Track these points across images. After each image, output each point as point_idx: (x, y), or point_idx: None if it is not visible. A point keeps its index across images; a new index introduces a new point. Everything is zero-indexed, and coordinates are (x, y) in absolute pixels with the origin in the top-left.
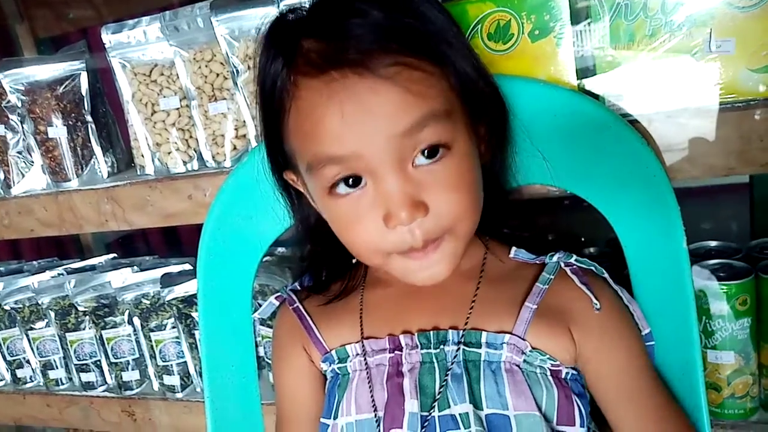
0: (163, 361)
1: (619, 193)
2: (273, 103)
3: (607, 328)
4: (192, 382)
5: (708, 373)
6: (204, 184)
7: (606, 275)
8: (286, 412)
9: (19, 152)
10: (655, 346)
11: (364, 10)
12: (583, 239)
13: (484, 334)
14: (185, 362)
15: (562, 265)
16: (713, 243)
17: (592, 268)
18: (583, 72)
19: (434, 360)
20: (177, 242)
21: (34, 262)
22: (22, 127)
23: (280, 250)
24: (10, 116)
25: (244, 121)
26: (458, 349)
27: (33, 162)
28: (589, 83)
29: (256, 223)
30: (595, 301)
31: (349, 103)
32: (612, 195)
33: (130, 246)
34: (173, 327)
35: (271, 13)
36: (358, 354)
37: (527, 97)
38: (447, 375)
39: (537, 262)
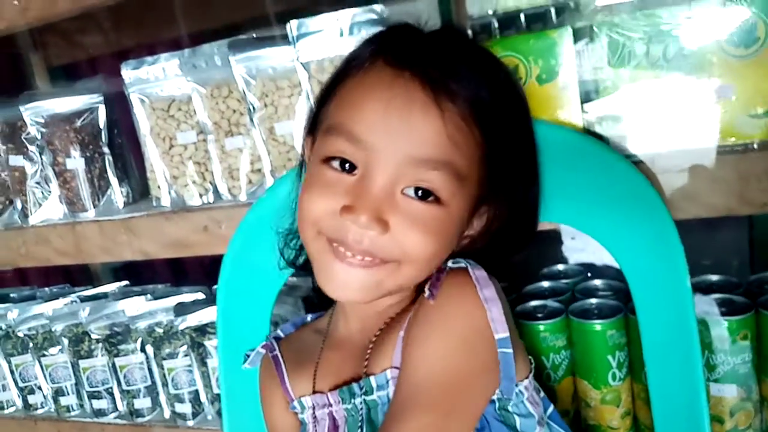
0: (175, 389)
1: (624, 231)
2: (344, 69)
3: (429, 322)
4: (203, 410)
5: (710, 406)
6: (219, 216)
7: (469, 267)
8: None
9: (37, 183)
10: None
11: (470, 57)
12: (590, 275)
13: (372, 378)
14: (197, 390)
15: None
16: (714, 277)
17: (461, 264)
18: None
19: (352, 414)
20: (181, 271)
21: (46, 289)
22: (41, 158)
23: (292, 279)
24: (30, 147)
25: (260, 156)
26: (361, 401)
27: (50, 192)
28: (592, 122)
29: (275, 255)
30: (426, 291)
31: (400, 102)
32: (616, 232)
33: (135, 273)
34: (185, 355)
35: (287, 53)
36: (309, 407)
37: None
38: (360, 427)
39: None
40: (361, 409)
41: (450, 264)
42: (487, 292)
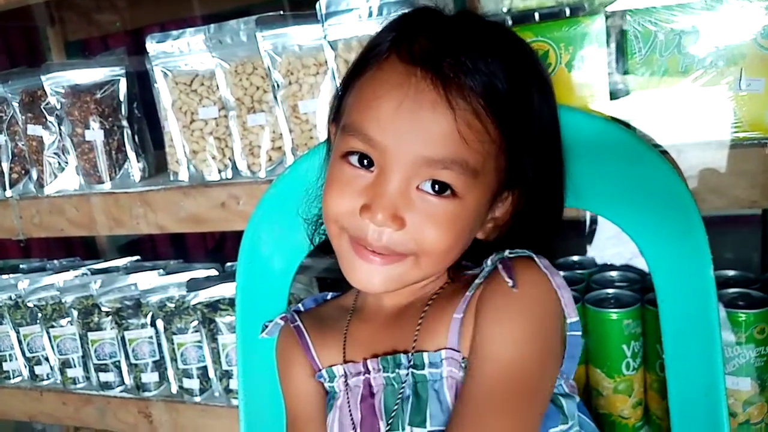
0: (184, 365)
1: (649, 220)
2: (362, 62)
3: (509, 306)
4: (211, 386)
5: None
6: (238, 192)
7: (535, 257)
8: (293, 412)
9: (55, 153)
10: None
11: (486, 45)
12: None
13: (425, 354)
14: (205, 366)
15: (497, 264)
16: (731, 272)
17: (524, 254)
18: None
19: (393, 383)
20: (189, 250)
21: (55, 261)
22: (59, 129)
23: (307, 260)
24: (48, 117)
25: (281, 134)
26: (408, 372)
27: (67, 163)
28: (620, 111)
29: (295, 232)
30: (507, 279)
31: (410, 103)
32: (642, 221)
33: (141, 251)
34: (196, 331)
35: (315, 31)
36: (341, 375)
37: (563, 124)
38: (399, 397)
39: (477, 271)
40: (406, 379)
41: (507, 253)
42: (557, 280)
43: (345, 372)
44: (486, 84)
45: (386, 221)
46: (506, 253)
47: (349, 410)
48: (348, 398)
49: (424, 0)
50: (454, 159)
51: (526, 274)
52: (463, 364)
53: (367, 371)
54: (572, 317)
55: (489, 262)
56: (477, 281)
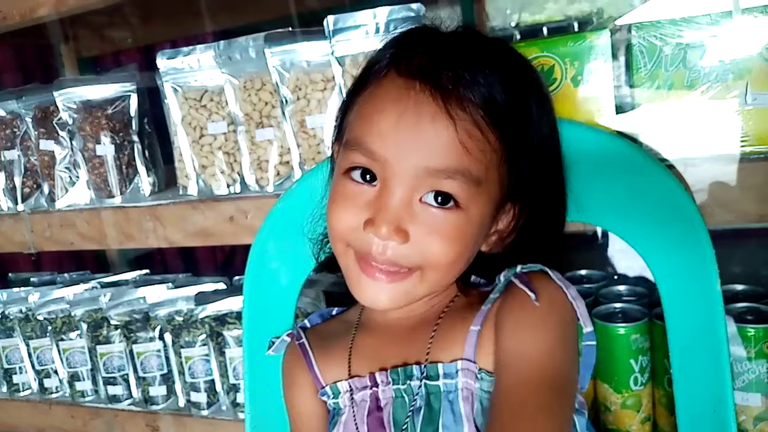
0: (191, 378)
1: (656, 234)
2: (362, 79)
3: (532, 317)
4: (218, 400)
5: None
6: (246, 206)
7: (548, 270)
8: (297, 428)
9: (66, 167)
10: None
11: (484, 58)
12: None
13: (440, 365)
14: (213, 380)
15: (512, 279)
16: (740, 287)
17: (537, 269)
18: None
19: (404, 395)
20: (198, 264)
21: (66, 275)
22: (71, 144)
23: (314, 274)
24: (61, 132)
25: (289, 149)
26: (421, 383)
27: (78, 177)
28: (626, 126)
29: (302, 246)
30: (529, 293)
31: (411, 115)
32: (649, 235)
33: (150, 265)
34: (203, 344)
35: (323, 47)
36: (346, 391)
37: (568, 138)
38: (411, 409)
39: (489, 288)
40: (419, 391)
41: (520, 267)
42: (572, 291)
43: (350, 387)
44: (485, 95)
45: (390, 234)
46: (519, 268)
47: (355, 425)
48: (354, 413)
49: (431, 15)
50: (457, 168)
51: (544, 288)
52: (479, 376)
53: (375, 385)
54: (587, 327)
55: (502, 277)
56: (492, 296)
